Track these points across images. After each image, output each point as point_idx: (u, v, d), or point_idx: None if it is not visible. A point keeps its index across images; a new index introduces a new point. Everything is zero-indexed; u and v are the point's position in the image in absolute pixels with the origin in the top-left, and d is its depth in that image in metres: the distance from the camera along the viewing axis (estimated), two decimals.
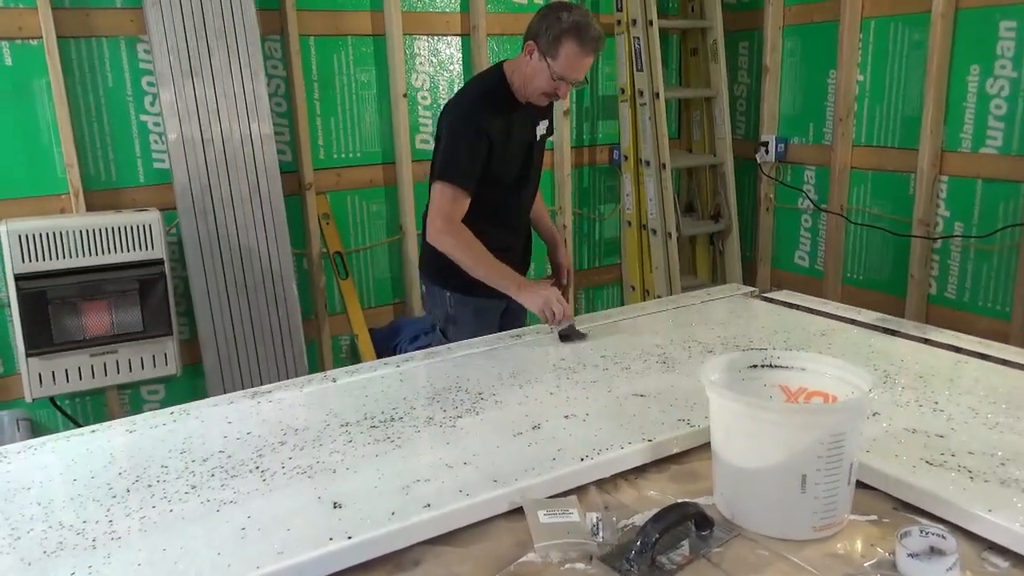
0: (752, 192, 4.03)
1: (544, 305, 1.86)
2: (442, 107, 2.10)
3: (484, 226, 2.02)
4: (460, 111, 2.01)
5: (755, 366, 1.23)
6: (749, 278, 3.95)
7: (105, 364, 2.70)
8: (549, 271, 2.40)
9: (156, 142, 2.87)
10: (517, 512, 1.13)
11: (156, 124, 2.86)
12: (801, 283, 3.70)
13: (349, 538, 1.04)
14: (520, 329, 1.99)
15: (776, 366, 1.23)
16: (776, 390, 1.22)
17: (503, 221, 2.14)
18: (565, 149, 3.69)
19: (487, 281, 1.95)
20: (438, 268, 2.12)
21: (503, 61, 2.10)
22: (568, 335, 1.83)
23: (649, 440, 1.30)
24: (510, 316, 2.23)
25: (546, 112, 2.17)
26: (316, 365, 3.25)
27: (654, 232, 3.73)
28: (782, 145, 3.77)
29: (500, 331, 2.08)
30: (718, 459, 1.13)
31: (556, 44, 1.94)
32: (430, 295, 2.25)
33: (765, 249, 3.96)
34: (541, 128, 2.16)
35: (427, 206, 2.03)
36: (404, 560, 1.05)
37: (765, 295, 2.21)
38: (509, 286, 1.92)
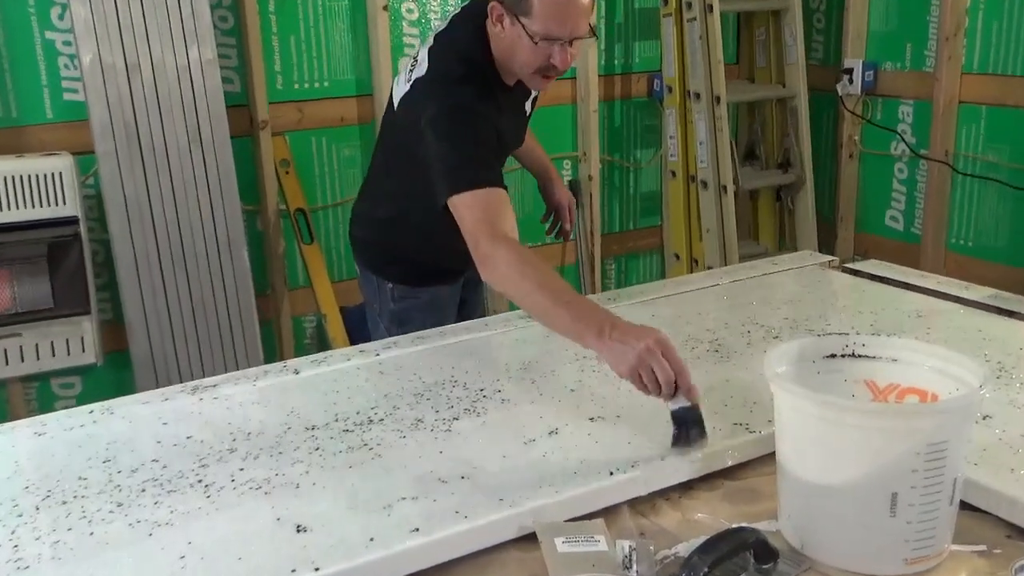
0: (831, 134, 4.00)
1: (636, 365, 1.34)
2: (409, 87, 1.85)
3: (429, 237, 1.88)
4: (446, 99, 1.77)
5: (833, 356, 1.23)
6: (826, 244, 3.94)
7: (6, 350, 2.71)
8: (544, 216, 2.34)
9: (67, 67, 2.87)
10: (529, 539, 1.14)
11: (67, 44, 2.85)
12: (893, 250, 3.69)
13: (316, 570, 1.05)
14: None
15: (860, 356, 1.23)
16: (860, 386, 1.22)
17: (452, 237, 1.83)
18: (591, 78, 3.67)
19: (547, 322, 1.53)
20: (370, 246, 2.05)
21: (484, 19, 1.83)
22: (682, 421, 1.32)
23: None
24: (469, 308, 2.17)
25: None
26: (273, 353, 3.27)
27: (705, 185, 3.71)
28: (871, 73, 3.74)
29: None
30: (785, 474, 1.13)
31: None
32: (366, 282, 2.11)
33: (847, 207, 3.94)
34: (528, 103, 2.04)
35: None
36: None
37: (847, 266, 2.21)
38: (586, 332, 1.42)
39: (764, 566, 1.06)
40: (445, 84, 1.79)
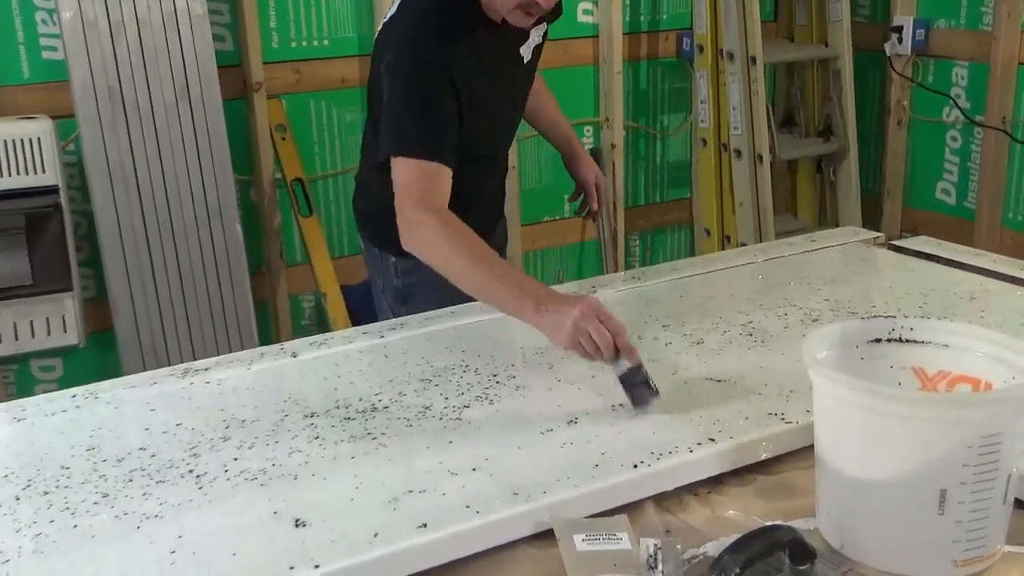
0: (878, 99, 3.97)
1: (573, 332, 1.43)
2: (379, 29, 1.89)
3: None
4: (407, 43, 1.79)
5: (878, 340, 1.23)
6: (871, 219, 3.92)
7: None
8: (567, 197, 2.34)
9: (45, 23, 2.87)
10: (545, 536, 1.14)
11: None
12: (945, 226, 3.67)
13: (316, 567, 1.06)
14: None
15: (908, 341, 1.23)
16: (907, 373, 1.22)
17: (468, 203, 1.88)
18: (615, 36, 3.66)
19: (482, 297, 1.65)
20: (370, 215, 2.05)
21: None
22: (630, 383, 1.43)
23: (728, 441, 1.30)
24: None
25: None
26: (269, 334, 3.28)
27: (738, 154, 3.70)
28: (922, 31, 3.71)
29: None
30: (824, 468, 1.14)
31: None
32: (370, 257, 2.13)
33: (895, 179, 3.92)
34: (528, 49, 1.97)
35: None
36: None
37: (894, 243, 2.20)
38: (522, 307, 1.52)
39: (800, 567, 1.07)
40: (410, 27, 1.80)
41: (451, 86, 1.76)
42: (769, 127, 3.67)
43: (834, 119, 3.88)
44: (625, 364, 1.42)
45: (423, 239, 1.67)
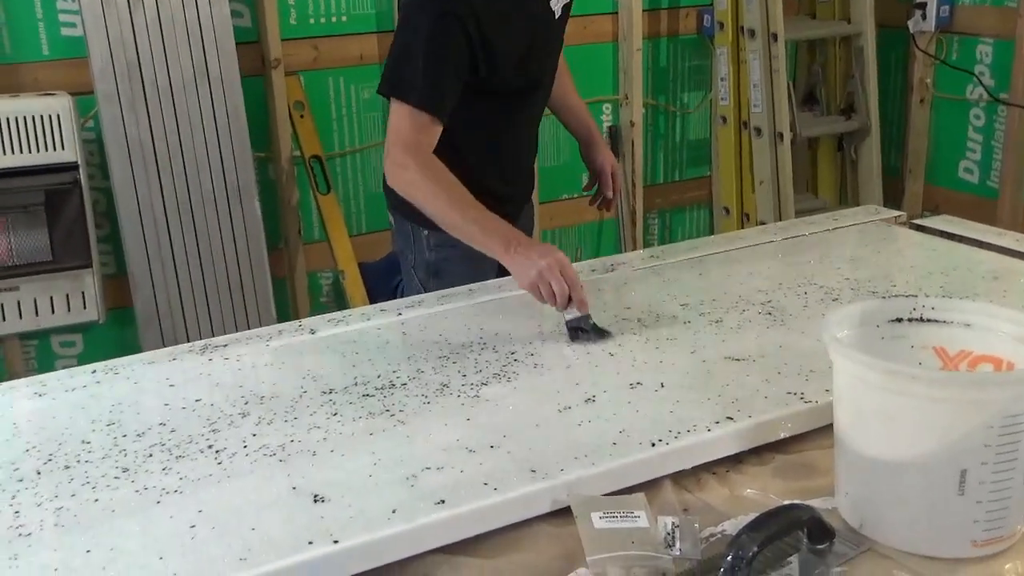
0: (901, 76, 3.94)
1: (536, 279, 1.63)
2: None
3: (464, 160, 1.90)
4: None
5: (899, 320, 1.22)
6: (893, 198, 3.90)
7: (2, 305, 2.76)
8: (584, 178, 2.35)
9: (65, 0, 2.88)
10: (563, 514, 1.15)
11: None
12: (967, 205, 3.65)
13: (335, 542, 1.07)
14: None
15: (929, 320, 1.22)
16: (928, 353, 1.21)
17: (495, 154, 2.05)
18: (635, 13, 3.64)
19: (462, 236, 1.79)
20: None
21: None
22: (578, 329, 1.61)
23: (747, 420, 1.30)
24: None
25: None
26: (287, 311, 3.30)
27: (759, 132, 3.68)
28: (947, 7, 3.67)
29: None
30: (843, 447, 1.13)
31: None
32: (399, 231, 2.18)
33: (917, 157, 3.89)
34: (557, 2, 2.00)
35: None
36: (409, 573, 1.08)
37: (915, 222, 2.19)
38: (494, 246, 1.72)
39: (819, 546, 1.07)
40: None
41: (464, 35, 1.80)
42: (790, 105, 3.65)
43: (856, 97, 3.85)
44: (574, 311, 1.62)
45: (407, 180, 1.82)
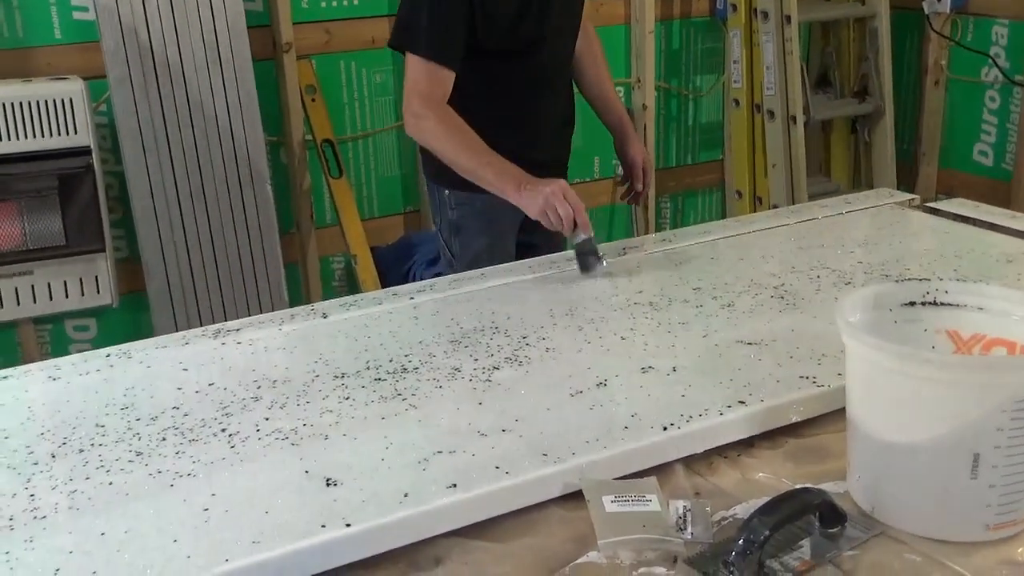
0: (915, 58, 3.92)
1: (543, 205, 1.82)
2: None
3: (479, 124, 1.98)
4: None
5: (913, 304, 1.22)
6: (906, 181, 3.88)
7: (16, 289, 2.78)
8: (619, 170, 2.37)
9: None
10: (575, 497, 1.15)
11: None
12: (982, 188, 3.63)
13: (347, 526, 1.07)
14: None
15: (943, 304, 1.22)
16: (942, 337, 1.21)
17: (513, 113, 2.12)
18: None
19: (478, 180, 1.95)
20: (433, 156, 2.12)
21: None
22: (585, 255, 1.81)
23: (759, 404, 1.30)
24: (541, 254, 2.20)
25: None
26: (299, 295, 3.30)
27: (772, 115, 3.66)
28: None
29: (521, 243, 2.14)
30: (856, 431, 1.13)
31: None
32: (431, 197, 2.31)
33: (931, 140, 3.87)
34: None
35: None
36: (421, 557, 1.08)
37: (929, 205, 2.18)
38: (506, 186, 1.90)
39: (831, 530, 1.07)
40: None
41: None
42: (803, 87, 3.64)
43: (870, 79, 3.83)
44: (581, 235, 1.81)
45: (425, 128, 1.98)
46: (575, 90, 2.30)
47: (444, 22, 1.95)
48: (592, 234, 1.81)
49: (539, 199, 1.82)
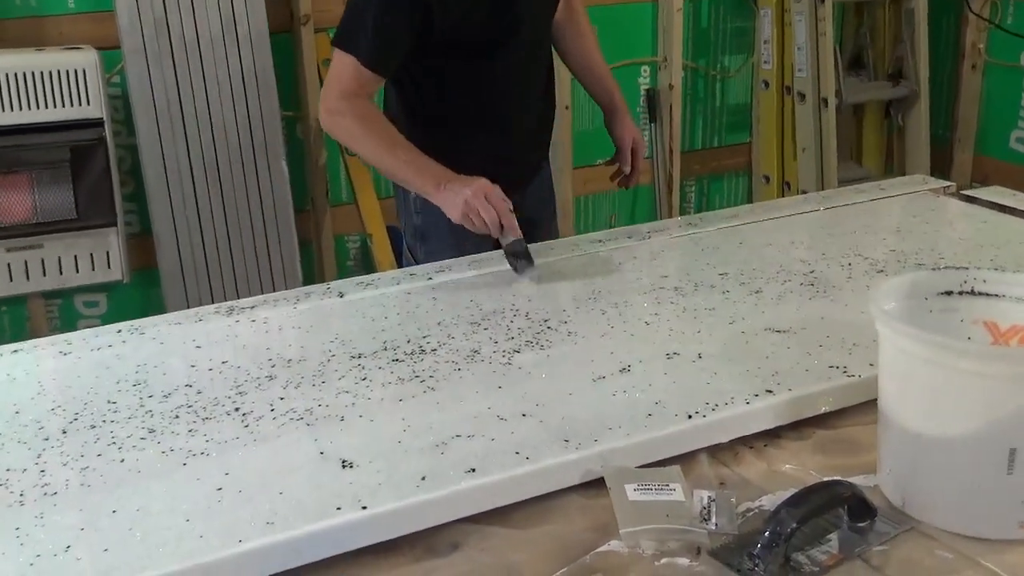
0: (952, 41, 3.88)
1: (464, 208, 1.72)
2: None
3: (447, 123, 1.93)
4: None
5: (949, 293, 1.21)
6: (941, 167, 3.86)
7: (26, 263, 2.79)
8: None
9: None
10: (596, 485, 1.15)
11: None
12: (1018, 177, 3.60)
13: (363, 508, 1.07)
14: (602, 232, 1.98)
15: (980, 293, 1.21)
16: (979, 328, 1.20)
17: (481, 115, 2.02)
18: None
19: (397, 179, 1.92)
20: None
21: None
22: (514, 255, 1.73)
23: (787, 393, 1.29)
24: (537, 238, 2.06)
25: None
26: (313, 274, 3.31)
27: (802, 97, 3.64)
28: None
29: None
30: (888, 423, 1.13)
31: None
32: (396, 195, 2.20)
33: (967, 126, 3.85)
34: None
35: None
36: (438, 542, 1.08)
37: (964, 192, 2.17)
38: (425, 185, 1.82)
39: (860, 524, 1.06)
40: None
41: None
42: (836, 69, 3.61)
43: (905, 62, 3.80)
44: (510, 237, 1.72)
45: (341, 126, 1.88)
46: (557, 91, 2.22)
47: (388, 33, 1.85)
48: (520, 235, 1.73)
49: (459, 201, 1.72)
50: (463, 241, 1.90)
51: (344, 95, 1.86)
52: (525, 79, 2.08)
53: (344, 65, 1.87)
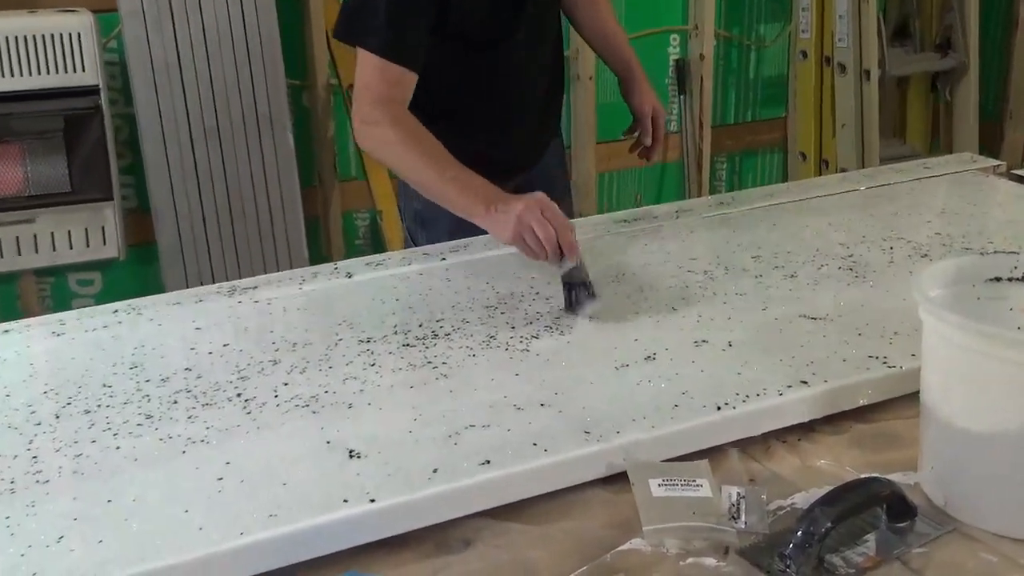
0: (1005, 10, 3.85)
1: (517, 229, 1.56)
2: None
3: (446, 120, 1.84)
4: None
5: (998, 279, 1.20)
6: (991, 145, 3.84)
7: (17, 238, 2.81)
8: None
9: None
10: (618, 479, 1.15)
11: None
12: None
13: (371, 501, 1.07)
14: (626, 212, 1.98)
15: None
16: None
17: (483, 111, 1.97)
18: None
19: (438, 197, 1.75)
20: None
21: None
22: (573, 287, 1.55)
23: (822, 384, 1.29)
24: None
25: None
26: (319, 253, 3.32)
27: (843, 69, 3.62)
28: None
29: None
30: (930, 417, 1.12)
31: None
32: (395, 178, 2.19)
33: (1019, 101, 3.82)
34: None
35: None
36: (450, 537, 1.09)
37: (1015, 172, 2.16)
38: (472, 207, 1.66)
39: (899, 524, 1.06)
40: None
41: None
42: (879, 39, 3.59)
43: (954, 32, 3.78)
44: (568, 263, 1.54)
45: (376, 137, 1.77)
46: (565, 93, 2.19)
47: (405, 14, 1.76)
48: (582, 260, 1.56)
49: (510, 219, 1.56)
50: (465, 230, 1.86)
51: (376, 102, 1.75)
52: (522, 75, 2.04)
53: (368, 67, 1.78)
